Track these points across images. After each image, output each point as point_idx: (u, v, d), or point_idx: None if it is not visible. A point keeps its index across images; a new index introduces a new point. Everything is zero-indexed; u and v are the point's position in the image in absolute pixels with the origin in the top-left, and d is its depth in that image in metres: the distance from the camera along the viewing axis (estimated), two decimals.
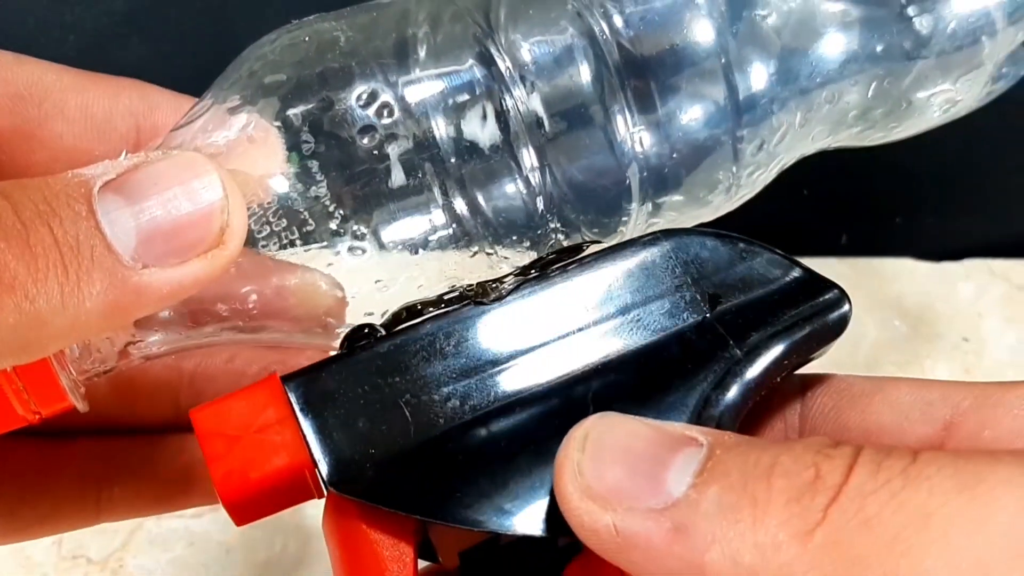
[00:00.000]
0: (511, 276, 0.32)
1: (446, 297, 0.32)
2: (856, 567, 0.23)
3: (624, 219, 0.33)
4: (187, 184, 0.27)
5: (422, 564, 0.33)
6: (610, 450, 0.27)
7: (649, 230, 0.34)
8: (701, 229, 0.33)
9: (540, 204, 0.32)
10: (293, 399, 0.30)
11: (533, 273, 0.32)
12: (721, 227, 0.34)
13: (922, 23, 0.33)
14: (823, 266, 0.81)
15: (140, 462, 0.39)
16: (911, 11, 0.33)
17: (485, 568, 0.34)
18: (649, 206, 0.33)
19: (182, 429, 0.38)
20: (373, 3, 0.34)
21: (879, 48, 0.34)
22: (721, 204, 0.34)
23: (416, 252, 0.31)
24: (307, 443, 0.30)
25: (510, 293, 0.32)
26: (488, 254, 0.32)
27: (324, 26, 0.33)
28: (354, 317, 0.32)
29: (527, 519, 0.29)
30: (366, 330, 0.32)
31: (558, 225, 0.33)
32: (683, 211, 0.34)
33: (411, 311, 0.32)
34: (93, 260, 0.25)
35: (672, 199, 0.33)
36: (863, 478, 0.24)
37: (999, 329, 0.78)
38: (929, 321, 0.79)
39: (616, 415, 0.28)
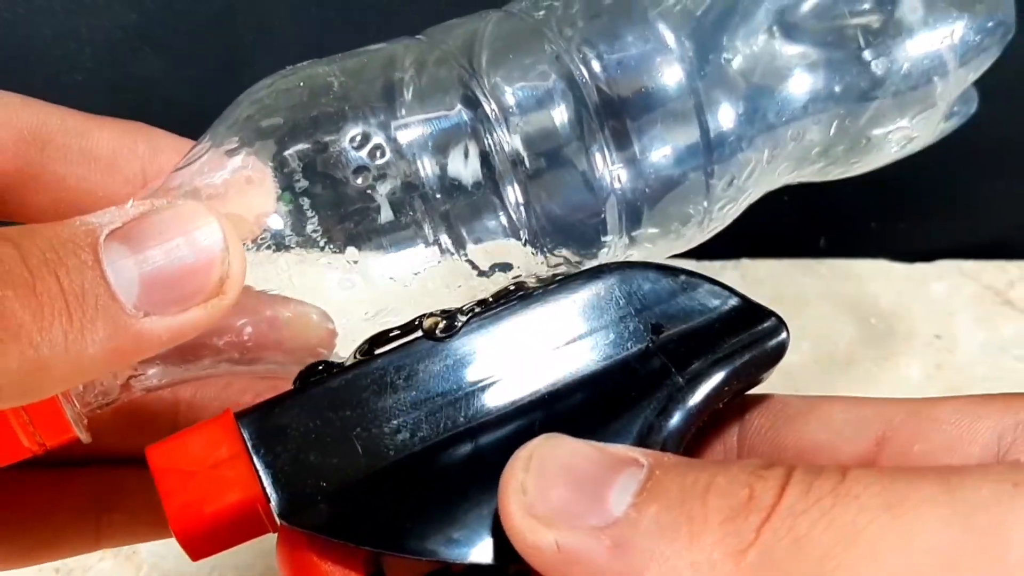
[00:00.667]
0: (462, 312, 0.32)
1: (393, 333, 0.32)
2: None
3: (603, 251, 0.34)
4: (189, 235, 0.27)
5: None
6: (553, 470, 0.27)
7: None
8: (644, 262, 0.33)
9: (523, 238, 0.32)
10: (246, 435, 0.30)
11: (482, 309, 0.32)
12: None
13: (877, 65, 0.34)
14: (803, 268, 0.82)
15: (138, 490, 0.38)
16: (867, 54, 0.34)
17: None
18: (626, 239, 0.34)
19: None
20: (362, 49, 0.34)
21: (838, 88, 0.34)
22: (694, 236, 0.35)
23: (404, 285, 0.32)
24: (259, 478, 0.29)
25: (462, 327, 0.31)
26: (472, 286, 0.32)
27: (317, 71, 0.33)
28: (344, 346, 0.32)
29: (477, 548, 0.29)
30: (320, 367, 0.32)
31: (540, 258, 0.33)
32: (657, 243, 0.34)
33: (370, 341, 0.32)
34: (97, 308, 0.26)
35: (647, 232, 0.34)
36: (795, 498, 0.24)
37: (970, 327, 0.78)
38: (903, 319, 0.79)
39: (560, 436, 0.28)
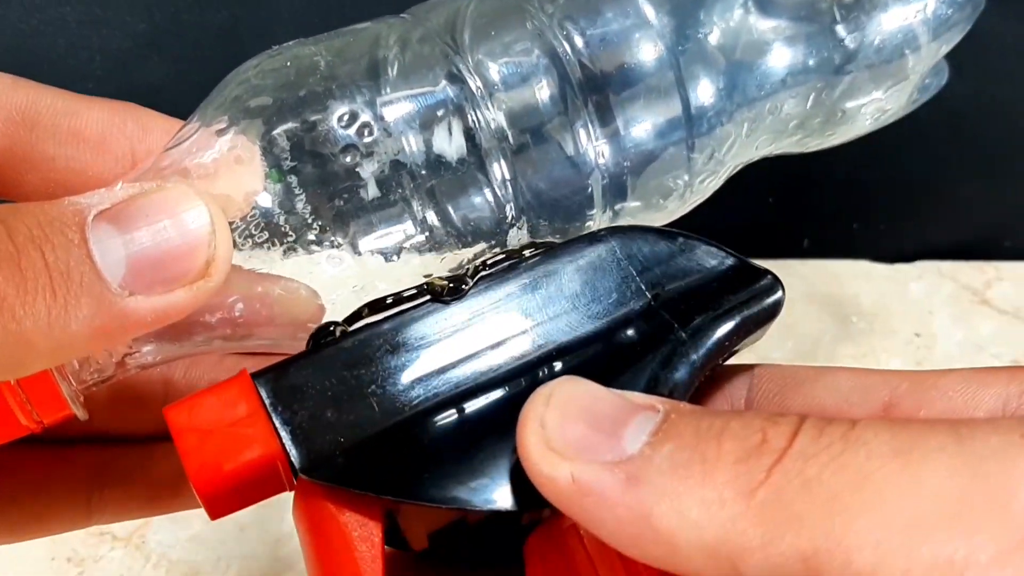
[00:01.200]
0: (469, 276, 0.32)
1: (406, 294, 0.32)
2: (794, 524, 0.22)
3: (588, 224, 0.33)
4: (177, 217, 0.27)
5: (390, 551, 0.32)
6: (573, 407, 0.27)
7: None
8: (643, 226, 0.33)
9: (509, 213, 0.32)
10: (263, 393, 0.29)
11: (489, 269, 0.32)
12: (695, 232, 0.35)
13: (851, 39, 0.34)
14: (788, 268, 0.82)
15: (130, 467, 0.38)
16: (841, 28, 0.34)
17: (453, 546, 0.34)
18: (610, 213, 0.34)
19: (171, 437, 0.39)
20: (347, 28, 0.34)
21: (813, 63, 0.34)
22: (676, 209, 0.35)
23: (390, 259, 0.31)
24: (278, 434, 0.29)
25: (469, 290, 0.31)
26: (456, 258, 0.32)
27: (304, 51, 0.32)
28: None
29: (492, 494, 0.29)
30: (331, 327, 0.31)
31: (525, 232, 0.33)
32: (640, 216, 0.34)
33: (372, 307, 0.32)
34: (82, 286, 0.25)
35: (630, 205, 0.34)
36: (806, 442, 0.24)
37: (948, 325, 0.78)
38: (884, 318, 0.79)
39: (580, 379, 0.28)
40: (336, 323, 0.31)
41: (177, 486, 0.38)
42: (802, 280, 0.82)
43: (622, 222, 0.34)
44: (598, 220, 0.33)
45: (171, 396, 0.38)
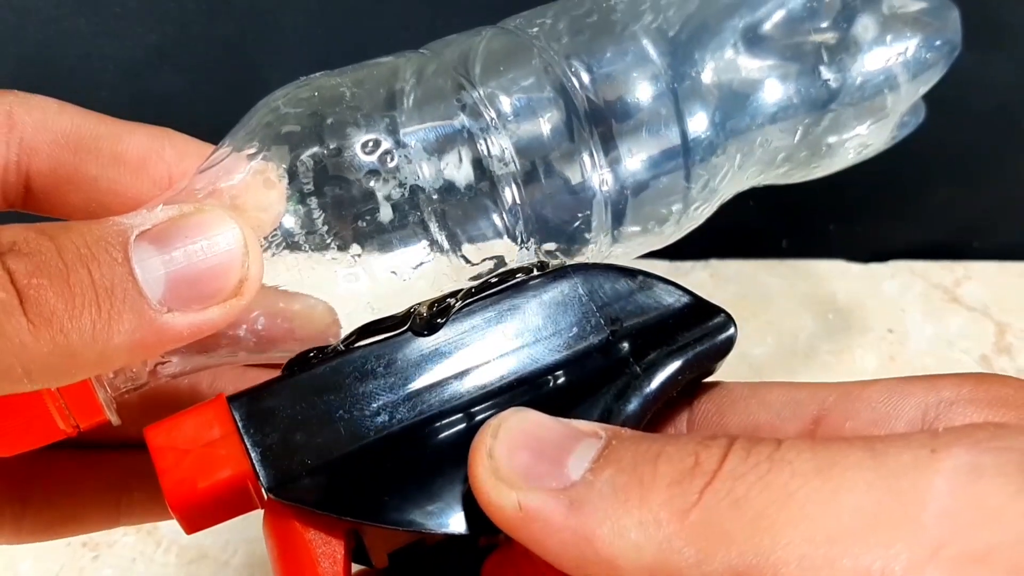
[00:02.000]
0: (442, 311, 0.32)
1: (389, 322, 0.32)
2: (725, 542, 0.23)
3: (588, 247, 0.34)
4: (213, 239, 0.27)
5: (356, 568, 0.33)
6: (518, 437, 0.27)
7: (609, 258, 0.35)
8: (605, 264, 0.33)
9: (518, 236, 0.33)
10: (237, 416, 0.30)
11: (462, 302, 0.32)
12: (683, 236, 0.35)
13: (834, 79, 0.34)
14: (768, 267, 0.83)
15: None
16: (824, 70, 0.34)
17: (412, 567, 0.34)
18: (610, 237, 0.34)
19: None
20: (369, 61, 0.34)
21: (798, 100, 0.34)
22: (671, 234, 0.35)
23: (403, 278, 0.32)
24: (248, 455, 0.29)
25: (440, 323, 0.31)
26: (464, 277, 0.33)
27: (329, 82, 0.33)
28: None
29: (450, 519, 0.29)
30: (311, 354, 0.31)
31: (531, 254, 0.33)
32: (637, 240, 0.35)
33: (362, 331, 0.32)
34: (125, 302, 0.26)
35: (629, 230, 0.34)
36: (735, 463, 0.24)
37: (919, 322, 0.78)
38: (859, 315, 0.79)
39: (527, 409, 0.28)
40: (315, 349, 0.32)
41: None
42: (781, 279, 0.82)
43: (621, 246, 0.34)
44: (598, 243, 0.34)
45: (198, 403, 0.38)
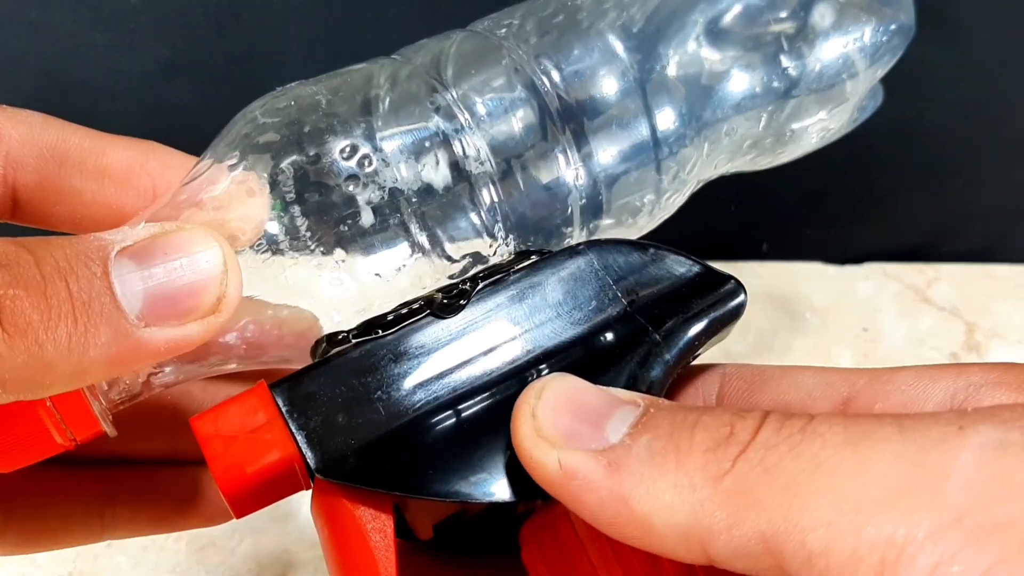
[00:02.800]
0: (463, 292, 0.32)
1: (406, 310, 0.32)
2: (755, 507, 0.23)
3: (565, 242, 0.34)
4: (193, 256, 0.27)
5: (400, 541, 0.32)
6: (561, 400, 0.27)
7: None
8: (617, 239, 0.33)
9: (497, 233, 0.32)
10: (280, 402, 0.29)
11: (481, 284, 0.32)
12: (665, 240, 0.35)
13: (794, 67, 0.34)
14: (748, 269, 0.83)
15: (141, 489, 0.38)
16: (784, 58, 0.34)
17: (456, 536, 0.34)
18: (586, 231, 0.34)
19: (179, 462, 0.36)
20: (344, 69, 0.34)
21: (761, 89, 0.34)
22: (645, 224, 0.35)
23: (387, 279, 0.31)
24: (294, 439, 0.29)
25: (463, 304, 0.31)
26: (450, 277, 0.32)
27: (305, 91, 0.32)
28: None
29: (489, 487, 0.29)
30: (339, 336, 0.31)
31: (511, 250, 0.33)
32: (613, 232, 0.34)
33: (377, 321, 0.32)
34: (101, 315, 0.25)
35: (604, 223, 0.34)
36: (768, 435, 0.24)
37: (892, 321, 0.79)
38: (835, 314, 0.79)
39: (569, 375, 0.28)
40: (340, 333, 0.31)
41: (185, 507, 0.38)
42: (761, 280, 0.82)
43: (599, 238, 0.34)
44: (576, 237, 0.34)
45: (180, 419, 0.37)
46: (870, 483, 0.22)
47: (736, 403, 0.33)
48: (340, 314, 0.32)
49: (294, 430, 0.29)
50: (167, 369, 0.31)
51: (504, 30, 0.34)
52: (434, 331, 0.31)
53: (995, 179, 0.82)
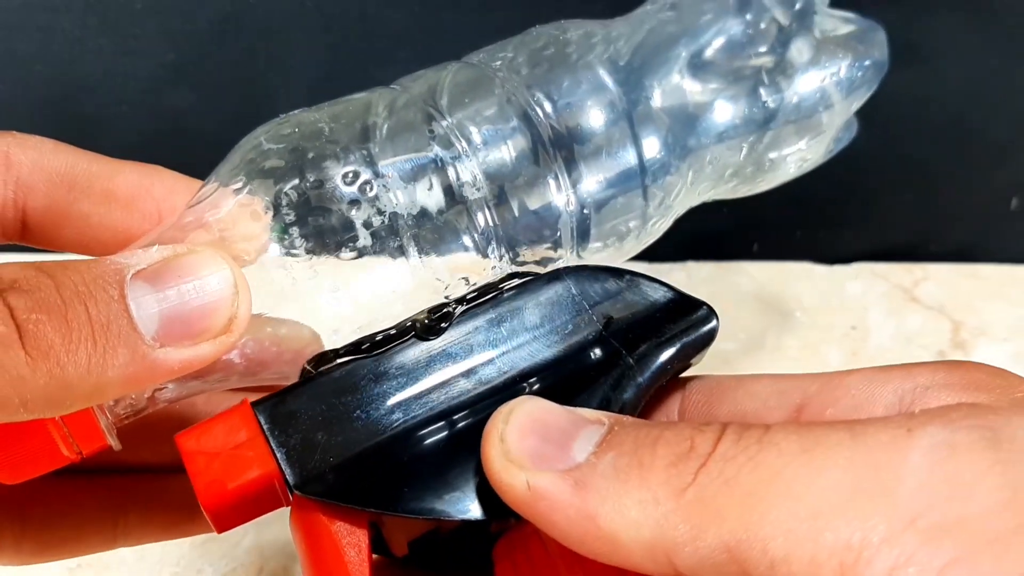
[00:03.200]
0: (445, 315, 0.32)
1: (393, 332, 0.32)
2: (718, 518, 0.23)
3: (557, 263, 0.34)
4: (205, 279, 0.27)
5: (376, 557, 0.32)
6: (528, 422, 0.27)
7: None
8: (594, 265, 0.33)
9: (491, 254, 0.33)
10: (261, 420, 0.30)
11: (462, 307, 0.32)
12: (661, 241, 0.36)
13: (772, 100, 0.34)
14: (739, 269, 0.83)
15: (151, 497, 0.38)
16: (763, 91, 0.34)
17: (430, 553, 0.34)
18: (575, 254, 0.34)
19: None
20: (345, 98, 0.34)
21: (741, 120, 0.34)
22: (632, 248, 0.35)
23: (384, 299, 0.32)
24: (275, 456, 0.29)
25: (444, 327, 0.32)
26: (445, 296, 0.33)
27: (308, 118, 0.33)
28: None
29: (464, 506, 0.29)
30: (323, 359, 0.31)
31: (502, 271, 0.33)
32: (601, 255, 0.35)
33: (362, 343, 0.32)
34: (120, 337, 0.25)
35: (593, 246, 0.34)
36: (727, 446, 0.24)
37: (880, 319, 0.79)
38: (824, 313, 0.79)
39: (536, 398, 0.28)
40: (327, 353, 0.32)
41: (192, 514, 0.38)
42: (752, 280, 0.82)
43: (586, 261, 0.34)
44: (565, 259, 0.34)
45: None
46: (825, 489, 0.22)
47: (697, 415, 0.33)
48: (338, 333, 0.32)
49: (274, 447, 0.29)
50: (170, 386, 0.31)
51: (499, 62, 0.34)
52: (415, 352, 0.31)
53: (980, 181, 0.82)
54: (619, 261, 0.35)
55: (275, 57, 0.69)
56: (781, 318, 0.79)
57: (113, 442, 0.30)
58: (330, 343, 0.32)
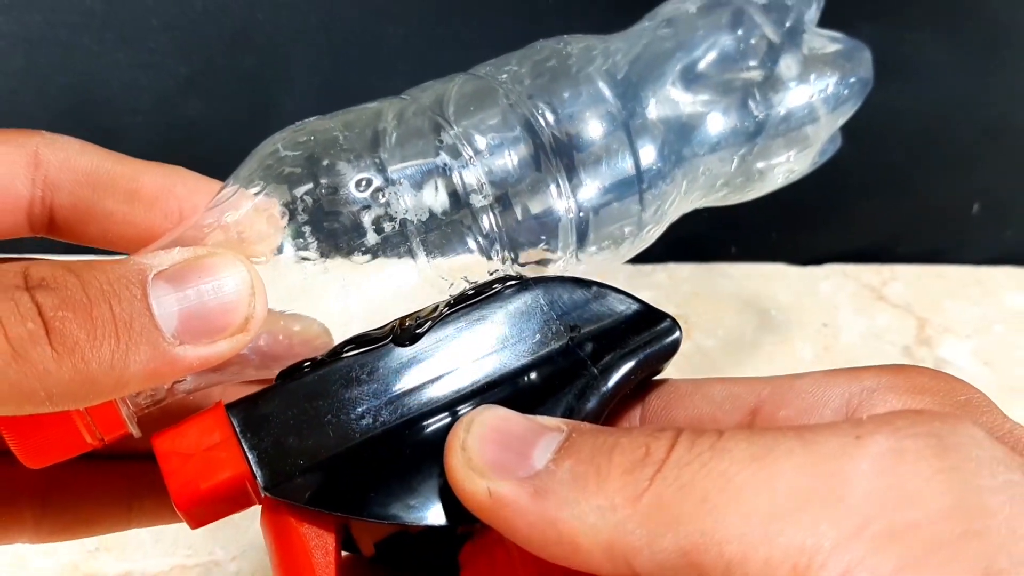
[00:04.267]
0: (419, 323, 0.31)
1: (375, 334, 0.31)
2: (674, 522, 0.22)
3: (557, 266, 0.34)
4: (223, 280, 0.27)
5: (345, 555, 0.32)
6: (488, 431, 0.27)
7: (571, 273, 0.34)
8: (562, 276, 0.33)
9: (495, 258, 0.32)
10: (235, 422, 0.29)
11: (439, 313, 0.32)
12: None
13: (761, 113, 0.34)
14: (718, 270, 0.83)
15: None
16: (752, 104, 0.34)
17: (397, 554, 0.34)
18: (574, 258, 0.34)
19: None
20: (356, 107, 0.34)
21: (734, 132, 0.34)
22: (626, 253, 0.35)
23: (390, 299, 0.31)
24: (246, 458, 0.29)
25: (420, 334, 0.31)
26: (442, 293, 0.32)
27: (323, 126, 0.32)
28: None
29: (430, 512, 0.28)
30: (305, 366, 0.31)
31: (500, 273, 0.33)
32: (598, 259, 0.34)
33: (349, 343, 0.31)
34: (142, 334, 0.25)
35: (591, 250, 0.34)
36: (681, 453, 0.24)
37: (850, 317, 0.79)
38: (798, 311, 0.80)
39: (496, 406, 0.28)
40: (304, 361, 0.31)
41: None
42: (730, 280, 0.82)
43: (582, 266, 0.34)
44: (564, 263, 0.34)
45: None
46: (777, 495, 0.22)
47: (656, 420, 0.33)
48: (347, 328, 0.32)
49: (246, 449, 0.29)
50: (189, 378, 0.31)
51: (504, 75, 0.34)
52: (389, 358, 0.31)
53: (944, 188, 0.83)
54: (615, 263, 0.35)
55: (282, 70, 0.69)
56: (757, 316, 0.79)
57: (134, 430, 0.30)
58: (338, 339, 0.32)
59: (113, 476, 0.37)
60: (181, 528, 0.61)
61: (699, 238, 0.82)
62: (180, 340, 0.26)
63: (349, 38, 0.68)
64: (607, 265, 0.35)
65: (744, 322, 0.79)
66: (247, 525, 0.61)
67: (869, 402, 0.29)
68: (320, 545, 0.29)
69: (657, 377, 0.33)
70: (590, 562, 0.24)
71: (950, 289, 0.83)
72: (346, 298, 0.31)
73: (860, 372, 0.30)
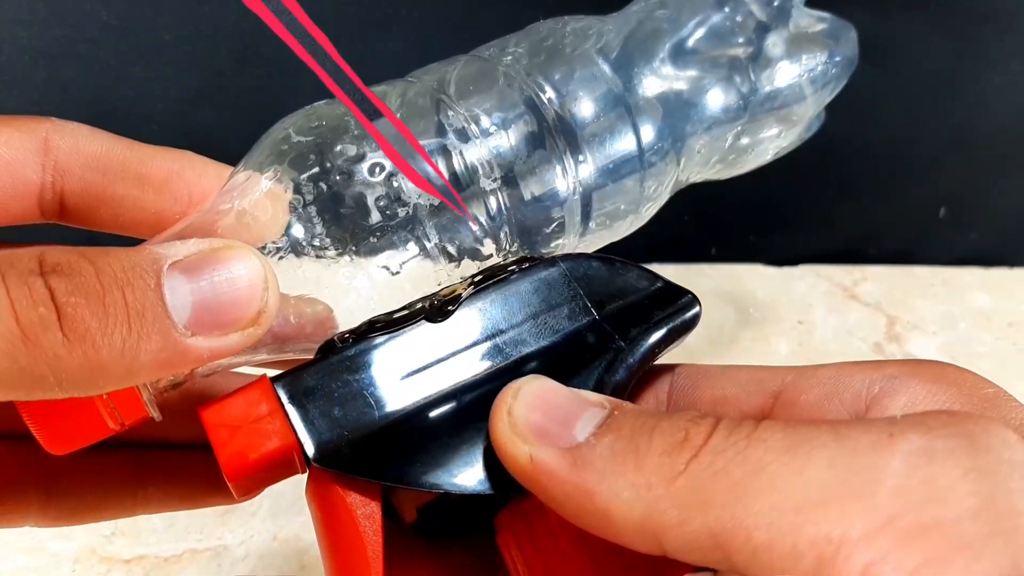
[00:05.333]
0: (451, 300, 0.31)
1: (402, 314, 0.31)
2: (705, 506, 0.22)
3: (562, 244, 0.33)
4: (237, 273, 0.26)
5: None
6: (535, 400, 0.26)
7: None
8: (587, 253, 0.33)
9: (503, 238, 0.32)
10: (281, 394, 0.29)
11: (470, 290, 0.31)
12: (630, 243, 0.35)
13: (749, 90, 0.34)
14: (698, 270, 0.83)
15: (170, 469, 0.37)
16: (743, 81, 0.34)
17: (438, 519, 0.33)
18: (577, 236, 0.33)
19: (203, 445, 0.38)
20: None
21: (728, 109, 0.34)
22: (625, 230, 0.34)
23: (401, 281, 0.31)
24: (293, 429, 0.28)
25: (452, 310, 0.31)
26: (448, 275, 0.31)
27: (333, 111, 0.32)
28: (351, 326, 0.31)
29: (471, 479, 0.28)
30: (338, 338, 0.30)
31: (511, 254, 0.32)
32: (597, 235, 0.34)
33: (373, 323, 0.31)
34: (154, 324, 0.24)
35: (593, 228, 0.33)
36: (718, 440, 0.23)
37: (824, 315, 0.79)
38: (774, 309, 0.80)
39: (544, 377, 0.27)
40: (343, 333, 0.31)
41: (210, 486, 0.37)
42: (710, 280, 0.83)
43: (584, 242, 0.34)
44: (569, 240, 0.33)
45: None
46: (808, 486, 0.21)
47: (683, 398, 0.33)
48: (354, 313, 0.31)
49: (293, 421, 0.28)
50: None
51: (508, 57, 0.33)
52: (424, 333, 0.30)
53: (912, 193, 0.83)
54: (613, 240, 0.35)
55: (289, 83, 0.67)
56: (736, 314, 0.79)
57: (154, 413, 0.29)
58: (347, 323, 0.31)
59: (119, 464, 0.36)
60: (192, 514, 0.61)
61: (681, 240, 0.82)
62: (192, 331, 0.25)
63: (351, 51, 0.68)
64: (601, 244, 0.34)
65: (724, 319, 0.78)
66: (254, 510, 0.61)
67: (891, 388, 0.28)
68: (367, 513, 0.28)
69: (672, 360, 0.33)
70: (621, 535, 0.24)
71: (918, 288, 0.83)
72: (357, 283, 0.30)
73: (883, 363, 0.29)
